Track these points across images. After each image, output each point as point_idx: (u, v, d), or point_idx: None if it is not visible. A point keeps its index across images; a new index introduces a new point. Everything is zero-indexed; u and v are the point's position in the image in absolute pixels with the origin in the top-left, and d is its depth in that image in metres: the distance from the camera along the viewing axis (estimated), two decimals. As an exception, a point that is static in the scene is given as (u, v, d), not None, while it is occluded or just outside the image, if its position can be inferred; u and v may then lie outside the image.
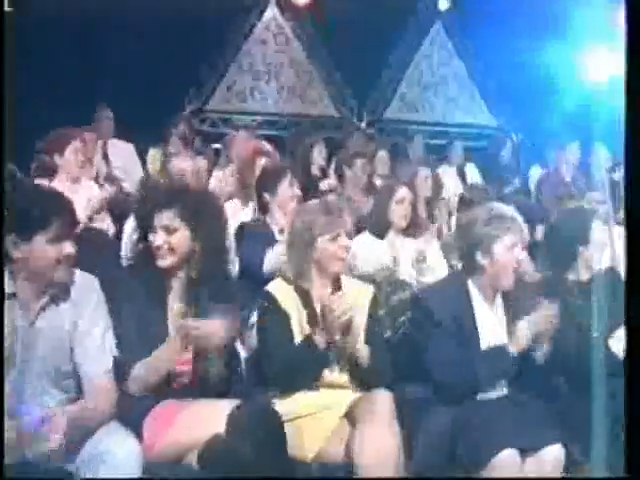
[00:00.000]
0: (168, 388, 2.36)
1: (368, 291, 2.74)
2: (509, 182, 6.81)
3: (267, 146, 4.64)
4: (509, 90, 7.83)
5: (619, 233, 5.46)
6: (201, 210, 2.47)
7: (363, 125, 7.55)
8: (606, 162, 6.33)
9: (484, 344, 2.67)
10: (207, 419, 2.20)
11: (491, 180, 6.79)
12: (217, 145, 6.66)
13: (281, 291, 2.62)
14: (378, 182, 5.61)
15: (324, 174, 5.63)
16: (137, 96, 6.38)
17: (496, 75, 7.94)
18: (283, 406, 2.45)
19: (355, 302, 2.60)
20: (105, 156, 5.86)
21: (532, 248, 5.92)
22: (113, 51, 6.28)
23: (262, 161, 4.40)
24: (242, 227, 3.72)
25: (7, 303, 2.14)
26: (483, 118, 8.03)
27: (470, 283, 2.76)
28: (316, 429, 2.40)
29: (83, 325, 2.22)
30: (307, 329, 2.54)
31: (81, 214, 3.86)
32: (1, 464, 2.03)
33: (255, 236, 3.58)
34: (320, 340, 2.46)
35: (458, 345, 2.63)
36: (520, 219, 2.82)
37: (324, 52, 7.55)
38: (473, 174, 6.75)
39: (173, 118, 6.84)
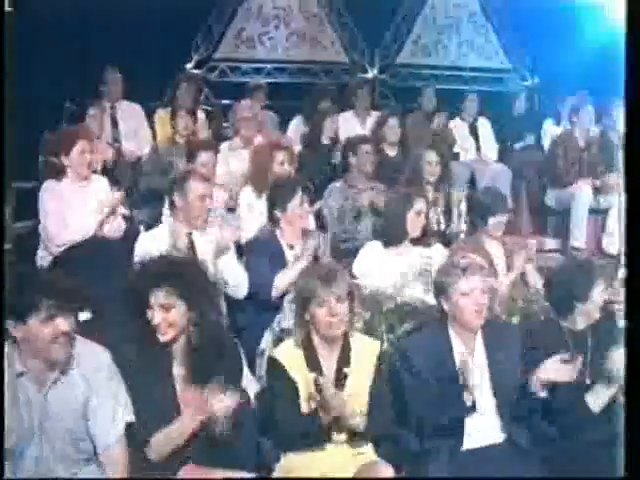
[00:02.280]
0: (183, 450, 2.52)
1: (375, 348, 2.82)
2: (521, 138, 6.75)
3: (286, 140, 4.64)
4: (526, 31, 7.57)
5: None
6: (193, 282, 2.56)
7: (375, 72, 7.38)
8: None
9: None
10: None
11: (503, 135, 6.72)
12: (226, 101, 6.62)
13: (289, 357, 2.71)
14: (390, 152, 5.61)
15: (334, 143, 5.59)
16: (144, 48, 6.26)
17: (512, 15, 7.66)
18: (292, 463, 2.65)
19: (361, 362, 2.74)
20: (114, 120, 5.86)
21: (541, 214, 6.02)
22: (114, 12, 6.08)
23: (280, 155, 4.42)
24: (251, 242, 3.78)
25: (18, 380, 2.32)
26: (498, 61, 7.80)
27: (449, 327, 2.91)
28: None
29: (95, 400, 2.40)
30: (314, 401, 2.62)
31: (91, 221, 3.97)
32: (1, 464, 2.24)
33: (264, 252, 3.65)
34: (325, 418, 2.59)
35: (438, 393, 2.77)
36: (485, 267, 2.91)
37: (335, -6, 7.30)
38: (485, 129, 6.63)
39: (180, 71, 6.77)
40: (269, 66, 7.22)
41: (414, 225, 3.79)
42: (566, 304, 3.03)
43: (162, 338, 2.53)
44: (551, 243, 5.93)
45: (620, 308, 5.12)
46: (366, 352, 2.78)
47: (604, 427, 2.82)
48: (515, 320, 3.29)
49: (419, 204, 3.81)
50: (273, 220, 3.78)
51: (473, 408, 2.78)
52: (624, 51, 2.79)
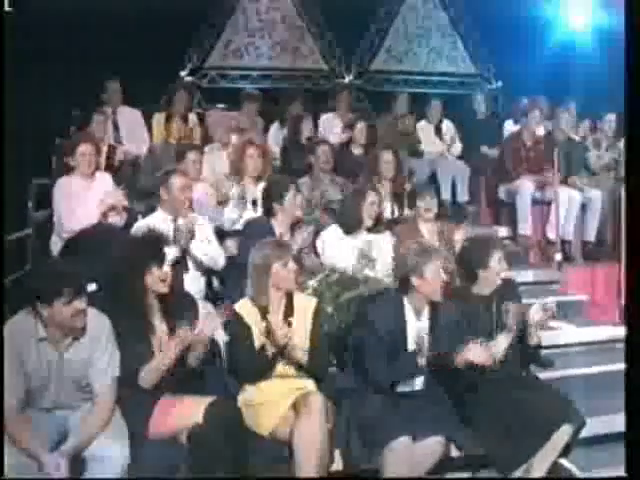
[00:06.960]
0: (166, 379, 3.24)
1: (312, 304, 3.58)
2: (486, 141, 7.41)
3: (259, 139, 5.46)
4: (490, 39, 8.32)
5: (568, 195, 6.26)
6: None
7: (351, 78, 8.17)
8: (570, 126, 6.96)
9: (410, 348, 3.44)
10: (191, 412, 3.14)
11: (469, 135, 7.40)
12: (220, 105, 7.38)
13: (245, 308, 3.48)
14: (356, 151, 6.37)
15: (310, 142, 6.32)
16: (142, 58, 6.97)
17: (478, 25, 8.42)
18: (248, 394, 3.40)
19: (301, 314, 3.49)
20: (116, 124, 6.63)
21: (496, 206, 6.75)
22: (114, 25, 6.80)
23: (251, 150, 5.20)
24: (248, 224, 4.54)
25: (40, 344, 3.01)
26: (464, 67, 8.56)
27: (405, 299, 3.52)
28: (271, 413, 3.32)
29: (96, 356, 3.11)
30: (263, 338, 3.39)
31: (95, 212, 4.71)
32: (1, 464, 2.58)
33: (257, 236, 4.20)
34: (270, 350, 3.36)
35: (388, 349, 3.40)
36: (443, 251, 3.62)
37: (314, 7, 8.09)
38: (449, 130, 7.33)
39: (175, 79, 7.56)
40: (255, 73, 8.05)
41: (368, 214, 4.54)
42: (471, 272, 3.72)
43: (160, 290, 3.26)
44: (503, 231, 6.70)
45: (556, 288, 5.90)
46: (305, 306, 3.53)
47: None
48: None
49: (372, 197, 4.56)
50: (269, 212, 4.46)
51: (422, 370, 3.41)
52: (624, 52, 3.05)
